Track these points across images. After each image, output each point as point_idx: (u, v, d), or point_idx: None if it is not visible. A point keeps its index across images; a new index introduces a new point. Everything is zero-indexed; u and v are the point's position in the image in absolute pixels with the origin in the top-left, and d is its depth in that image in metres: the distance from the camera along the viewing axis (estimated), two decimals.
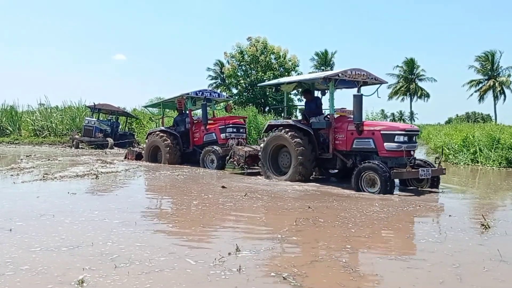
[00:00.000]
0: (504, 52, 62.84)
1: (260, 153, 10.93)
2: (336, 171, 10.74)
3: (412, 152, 8.94)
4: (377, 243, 5.04)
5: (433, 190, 9.14)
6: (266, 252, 4.49)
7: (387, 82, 10.04)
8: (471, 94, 59.42)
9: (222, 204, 7.40)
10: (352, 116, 9.38)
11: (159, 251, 4.44)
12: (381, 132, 8.90)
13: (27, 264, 3.99)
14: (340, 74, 9.34)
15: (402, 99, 61.18)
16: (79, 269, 3.84)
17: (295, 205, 7.45)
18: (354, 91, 10.16)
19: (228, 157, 12.48)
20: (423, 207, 7.27)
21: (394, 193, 8.50)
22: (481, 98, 58.32)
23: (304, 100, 11.25)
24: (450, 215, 6.48)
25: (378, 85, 10.21)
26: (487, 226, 5.69)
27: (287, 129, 10.13)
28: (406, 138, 8.73)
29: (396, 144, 8.68)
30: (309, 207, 7.01)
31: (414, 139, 9.05)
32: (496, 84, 56.44)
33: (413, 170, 8.59)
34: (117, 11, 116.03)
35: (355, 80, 9.74)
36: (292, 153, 9.94)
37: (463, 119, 52.73)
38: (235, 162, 12.13)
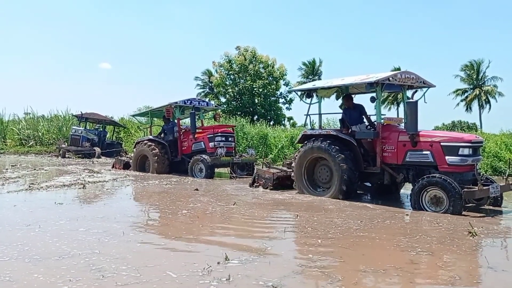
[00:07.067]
0: (492, 61, 63.17)
1: (293, 168, 9.82)
2: (370, 185, 9.90)
3: (477, 166, 7.91)
4: (370, 254, 5.06)
5: (497, 208, 8.01)
6: (255, 261, 4.47)
7: (435, 86, 9.07)
8: (458, 104, 60.23)
9: (211, 213, 7.38)
10: (400, 125, 8.81)
11: (147, 261, 4.40)
12: (442, 143, 7.84)
13: (10, 274, 3.92)
14: (390, 78, 8.37)
15: (389, 108, 61.61)
16: (66, 280, 3.79)
17: (284, 214, 7.46)
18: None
19: (251, 182, 11.15)
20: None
21: (463, 213, 7.31)
22: (468, 107, 59.07)
23: (344, 107, 9.92)
24: (436, 223, 6.54)
25: (426, 89, 9.16)
26: (474, 234, 5.74)
27: (328, 141, 8.98)
28: (471, 151, 7.73)
29: (460, 157, 7.65)
30: (297, 216, 7.03)
31: (478, 151, 8.16)
32: (482, 93, 57.24)
33: (484, 188, 7.48)
34: (102, 19, 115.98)
35: (404, 84, 8.75)
36: (335, 169, 8.80)
37: (450, 127, 53.20)
38: (260, 187, 10.78)
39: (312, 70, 62.20)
